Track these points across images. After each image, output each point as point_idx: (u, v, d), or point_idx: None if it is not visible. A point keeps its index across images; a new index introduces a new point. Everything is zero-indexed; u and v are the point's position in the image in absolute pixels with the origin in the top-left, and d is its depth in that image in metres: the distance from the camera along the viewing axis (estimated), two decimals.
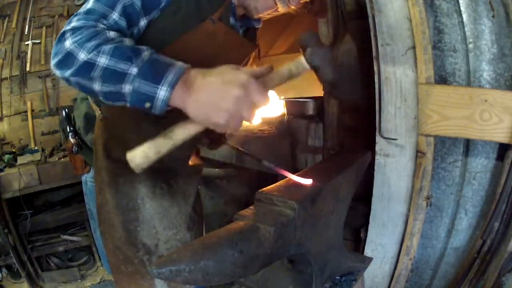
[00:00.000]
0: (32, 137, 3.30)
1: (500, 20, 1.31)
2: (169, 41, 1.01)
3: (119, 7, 0.90)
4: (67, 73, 0.82)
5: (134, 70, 0.77)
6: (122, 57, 0.78)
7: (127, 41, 0.84)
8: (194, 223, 1.32)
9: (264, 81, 0.83)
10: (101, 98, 0.85)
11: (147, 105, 0.78)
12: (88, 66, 0.79)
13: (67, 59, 0.81)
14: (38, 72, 3.29)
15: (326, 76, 0.86)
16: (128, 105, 0.81)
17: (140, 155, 0.80)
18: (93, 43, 0.80)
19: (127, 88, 0.78)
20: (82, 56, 0.79)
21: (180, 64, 0.81)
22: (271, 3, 1.10)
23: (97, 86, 0.81)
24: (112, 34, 0.84)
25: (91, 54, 0.79)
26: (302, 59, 0.85)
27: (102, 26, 0.87)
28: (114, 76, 0.78)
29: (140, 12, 0.94)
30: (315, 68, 0.86)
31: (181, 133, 0.81)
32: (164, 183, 1.22)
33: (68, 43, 0.81)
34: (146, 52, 0.81)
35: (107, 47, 0.79)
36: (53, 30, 3.32)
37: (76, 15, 0.89)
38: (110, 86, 0.80)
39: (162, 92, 0.77)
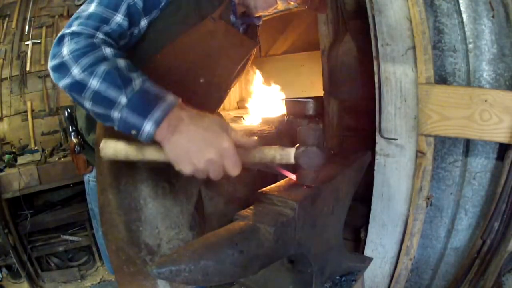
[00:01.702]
0: (32, 137, 3.30)
1: (500, 20, 1.31)
2: (170, 40, 1.01)
3: (123, 8, 0.91)
4: (61, 83, 0.83)
5: (123, 100, 0.78)
6: (113, 84, 0.79)
7: (121, 62, 0.84)
8: (196, 222, 1.32)
9: (243, 153, 0.83)
10: (91, 115, 0.86)
11: (133, 132, 0.80)
12: (80, 86, 0.81)
13: (62, 68, 0.82)
14: (38, 72, 3.28)
15: (304, 178, 0.86)
16: (115, 128, 0.82)
17: (111, 151, 0.84)
18: (87, 60, 0.81)
19: (115, 115, 0.79)
20: (76, 71, 0.80)
21: (169, 99, 0.80)
22: (271, 0, 1.10)
23: (87, 105, 0.83)
24: (108, 51, 0.84)
25: (84, 73, 0.80)
26: (291, 152, 0.84)
27: (101, 36, 0.87)
28: (104, 101, 0.80)
29: (141, 12, 0.95)
30: (300, 166, 0.85)
31: (152, 155, 0.84)
32: (166, 182, 1.22)
33: (66, 51, 0.82)
34: (137, 81, 0.81)
35: (100, 70, 0.80)
36: (53, 30, 3.32)
37: (77, 17, 0.88)
38: (100, 109, 0.81)
39: (147, 127, 0.78)
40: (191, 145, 0.78)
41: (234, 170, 0.80)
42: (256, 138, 0.86)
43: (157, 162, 0.85)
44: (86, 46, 0.83)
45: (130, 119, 0.78)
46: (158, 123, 0.78)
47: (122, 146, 0.84)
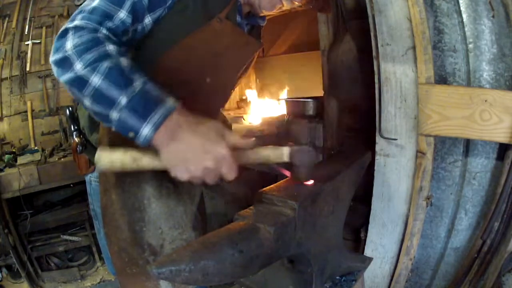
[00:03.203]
0: (32, 137, 3.30)
1: (500, 20, 1.31)
2: (176, 39, 1.01)
3: (128, 4, 0.89)
4: (63, 77, 0.82)
5: (123, 100, 0.78)
6: (114, 82, 0.78)
7: (124, 61, 0.83)
8: (199, 222, 1.32)
9: (239, 156, 0.84)
10: (91, 114, 0.85)
11: (131, 134, 0.80)
12: (81, 82, 0.80)
13: (65, 62, 0.81)
14: (38, 72, 3.29)
15: (299, 175, 0.88)
16: (113, 129, 0.82)
17: (106, 161, 0.83)
18: (90, 55, 0.80)
19: (114, 115, 0.79)
20: (78, 67, 0.79)
21: (169, 103, 0.80)
22: (276, 0, 1.10)
23: (87, 103, 0.82)
24: (111, 48, 0.84)
25: (86, 69, 0.79)
26: (285, 151, 0.86)
27: (104, 32, 0.86)
28: (104, 99, 0.79)
29: (146, 9, 0.94)
30: (294, 165, 0.88)
31: (148, 164, 0.84)
32: (170, 182, 1.22)
33: (69, 45, 0.81)
34: (138, 81, 0.80)
35: (103, 66, 0.79)
36: (53, 30, 3.32)
37: (80, 12, 0.87)
38: (99, 108, 0.81)
39: (145, 130, 0.77)
40: (188, 153, 0.79)
41: (230, 175, 0.81)
42: (253, 139, 0.87)
43: (155, 169, 0.84)
44: (89, 41, 0.82)
45: (128, 120, 0.78)
46: (156, 127, 0.78)
47: (118, 155, 0.83)
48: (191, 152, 0.78)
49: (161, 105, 0.79)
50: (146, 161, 0.83)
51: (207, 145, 0.79)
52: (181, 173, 0.80)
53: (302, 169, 0.87)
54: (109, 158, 0.83)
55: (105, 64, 0.80)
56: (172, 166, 0.80)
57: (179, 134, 0.79)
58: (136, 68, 0.84)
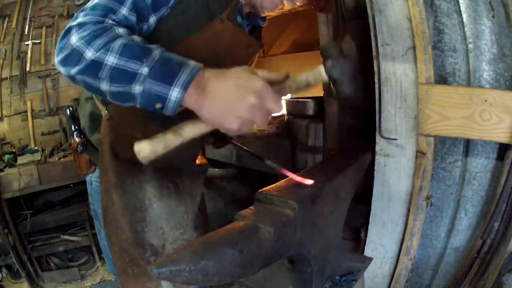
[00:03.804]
0: (32, 137, 3.30)
1: (500, 20, 1.31)
2: (178, 40, 1.00)
3: (128, 2, 0.88)
4: (73, 70, 0.79)
5: (145, 70, 0.75)
6: (132, 56, 0.76)
7: (137, 38, 0.81)
8: (200, 222, 1.32)
9: (279, 88, 0.81)
10: (108, 98, 0.82)
11: (158, 105, 0.76)
12: (95, 65, 0.77)
13: (73, 56, 0.78)
14: (38, 72, 3.29)
15: (344, 90, 0.85)
16: (138, 106, 0.79)
17: (148, 148, 0.79)
18: (101, 40, 0.77)
19: (137, 88, 0.76)
20: (89, 54, 0.77)
21: (193, 63, 0.78)
22: (278, 0, 1.10)
23: (104, 86, 0.78)
24: (121, 30, 0.81)
25: (99, 52, 0.76)
26: (321, 69, 0.82)
27: (110, 21, 0.84)
28: (123, 76, 0.76)
29: (150, 8, 0.93)
30: (333, 81, 0.85)
31: (191, 130, 0.80)
32: (171, 183, 1.21)
33: (75, 39, 0.79)
34: (156, 51, 0.78)
35: (116, 45, 0.77)
36: (53, 30, 3.32)
37: (83, 10, 0.86)
38: (119, 87, 0.77)
39: (174, 94, 0.75)
40: (227, 99, 0.75)
41: (277, 106, 0.77)
42: (286, 71, 0.83)
43: (200, 135, 0.80)
44: (97, 29, 0.79)
45: (154, 89, 0.75)
46: (185, 88, 0.75)
47: (157, 139, 0.79)
48: (229, 97, 0.75)
49: (185, 67, 0.76)
50: (189, 129, 0.80)
51: (242, 84, 0.75)
52: (229, 123, 0.75)
53: (345, 83, 0.83)
54: (149, 145, 0.79)
55: (118, 42, 0.77)
56: (217, 119, 0.76)
57: (210, 86, 0.75)
58: (149, 42, 0.81)
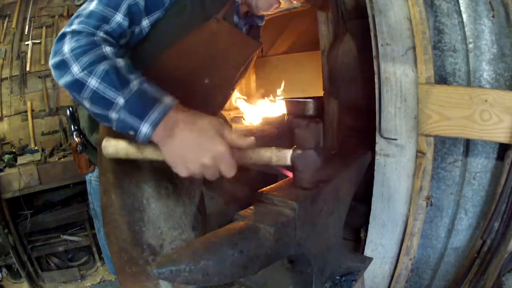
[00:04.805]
0: (32, 137, 3.30)
1: (500, 20, 1.31)
2: (174, 41, 1.01)
3: (123, 7, 0.90)
4: (61, 81, 0.84)
5: (121, 100, 0.79)
6: (111, 84, 0.79)
7: (121, 62, 0.84)
8: (198, 223, 1.32)
9: (239, 155, 0.83)
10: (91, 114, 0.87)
11: (131, 133, 0.81)
12: (79, 85, 0.81)
13: (62, 66, 0.82)
14: (38, 72, 3.29)
15: (300, 182, 0.84)
16: (114, 129, 0.83)
17: (112, 149, 0.86)
18: (87, 58, 0.81)
19: (113, 115, 0.80)
20: (76, 70, 0.81)
21: (167, 101, 0.81)
22: (273, 0, 1.10)
23: (86, 104, 0.83)
24: (108, 50, 0.84)
25: (83, 73, 0.80)
26: (288, 154, 0.83)
27: (102, 34, 0.87)
28: (102, 101, 0.80)
29: (143, 12, 0.94)
30: (296, 168, 0.84)
31: (151, 153, 0.85)
32: (170, 183, 1.22)
33: (66, 49, 0.82)
34: (135, 82, 0.81)
35: (99, 69, 0.80)
36: (53, 30, 3.32)
37: (78, 16, 0.88)
38: (98, 109, 0.82)
39: (144, 129, 0.79)
40: (185, 151, 0.79)
41: (229, 172, 0.81)
42: (253, 138, 0.85)
43: (156, 161, 0.86)
44: (86, 44, 0.83)
45: (127, 120, 0.79)
46: (155, 126, 0.78)
47: (123, 145, 0.86)
48: (188, 149, 0.79)
49: (159, 104, 0.80)
50: (149, 152, 0.85)
51: (204, 142, 0.79)
52: (180, 170, 0.81)
53: (304, 175, 0.84)
54: (115, 147, 0.86)
55: (102, 67, 0.81)
56: (171, 162, 0.81)
57: (176, 132, 0.79)
58: (132, 68, 0.85)
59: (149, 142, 0.82)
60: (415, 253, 1.50)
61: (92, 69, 0.80)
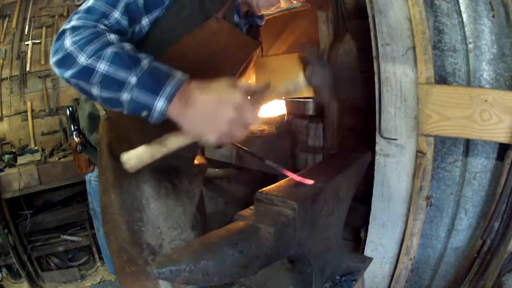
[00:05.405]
0: (32, 137, 3.30)
1: (500, 20, 1.31)
2: (174, 40, 1.01)
3: (121, 5, 0.90)
4: (67, 74, 0.81)
5: (133, 79, 0.78)
6: (121, 65, 0.78)
7: (127, 46, 0.83)
8: (198, 223, 1.32)
9: (259, 98, 0.83)
10: (99, 102, 0.85)
11: (144, 113, 0.79)
12: (87, 71, 0.79)
13: (67, 59, 0.81)
14: (38, 72, 3.29)
15: (323, 98, 0.87)
16: (125, 112, 0.81)
17: (135, 158, 0.83)
18: (93, 46, 0.80)
19: (125, 96, 0.79)
20: (82, 59, 0.79)
21: (178, 75, 0.81)
22: None
23: (95, 91, 0.81)
24: (112, 37, 0.83)
25: (91, 59, 0.79)
26: (301, 77, 0.84)
27: (103, 26, 0.86)
28: (112, 83, 0.79)
29: (142, 10, 0.94)
30: (313, 88, 0.86)
31: (174, 142, 0.83)
32: (169, 183, 1.22)
33: (68, 43, 0.81)
34: (145, 60, 0.81)
35: (107, 53, 0.79)
36: (53, 30, 3.32)
37: (76, 13, 0.88)
38: (109, 93, 0.80)
39: (159, 104, 0.77)
40: (207, 113, 0.78)
41: (254, 121, 0.80)
42: (265, 82, 0.86)
43: (183, 146, 0.84)
44: (90, 34, 0.82)
45: (141, 98, 0.78)
46: (170, 99, 0.77)
47: (143, 149, 0.83)
48: (209, 111, 0.78)
49: (171, 78, 0.79)
50: (171, 140, 0.83)
51: (221, 98, 0.78)
52: (208, 135, 0.78)
53: (324, 91, 0.84)
54: (136, 156, 0.83)
55: (110, 50, 0.79)
56: (197, 131, 0.79)
57: (192, 99, 0.78)
58: (139, 51, 0.84)
59: (163, 126, 0.79)
60: (415, 253, 1.50)
61: (100, 54, 0.79)
